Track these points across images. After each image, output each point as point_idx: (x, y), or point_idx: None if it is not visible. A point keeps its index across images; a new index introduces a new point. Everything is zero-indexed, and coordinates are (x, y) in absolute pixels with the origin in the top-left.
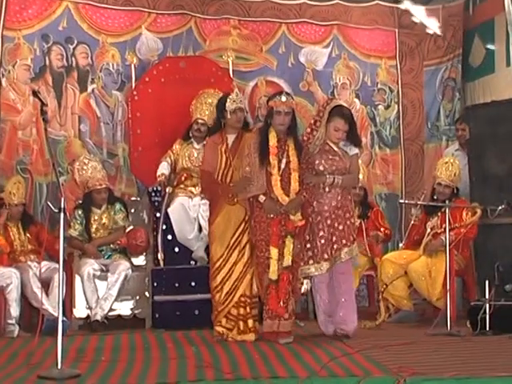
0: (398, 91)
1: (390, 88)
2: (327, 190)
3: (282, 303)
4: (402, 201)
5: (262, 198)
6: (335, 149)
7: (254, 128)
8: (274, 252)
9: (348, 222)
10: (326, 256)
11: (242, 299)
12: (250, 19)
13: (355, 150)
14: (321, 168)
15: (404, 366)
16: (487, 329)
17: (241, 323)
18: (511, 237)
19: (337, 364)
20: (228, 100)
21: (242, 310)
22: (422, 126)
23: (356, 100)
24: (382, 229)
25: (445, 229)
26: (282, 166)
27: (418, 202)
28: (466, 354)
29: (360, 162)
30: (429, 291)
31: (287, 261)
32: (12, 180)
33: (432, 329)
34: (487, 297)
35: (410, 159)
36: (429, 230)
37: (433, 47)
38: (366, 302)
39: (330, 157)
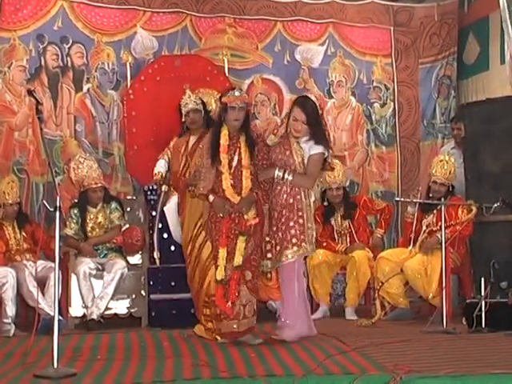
0: (393, 89)
1: (385, 86)
2: (278, 186)
3: (230, 303)
4: (397, 198)
5: (210, 198)
6: (290, 144)
7: None
8: (221, 252)
9: (292, 223)
10: (269, 255)
11: (207, 299)
12: (245, 17)
13: (317, 149)
14: (275, 162)
15: (400, 363)
16: (483, 326)
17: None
18: (506, 234)
19: (332, 362)
20: (181, 102)
21: (208, 311)
22: (417, 123)
23: (352, 98)
24: (380, 220)
25: (440, 226)
26: (234, 163)
27: (414, 200)
28: (462, 352)
29: (336, 162)
30: (424, 289)
31: (237, 260)
32: (6, 180)
33: (428, 326)
34: (483, 294)
35: (405, 157)
36: (424, 228)
37: (428, 45)
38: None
39: (282, 151)
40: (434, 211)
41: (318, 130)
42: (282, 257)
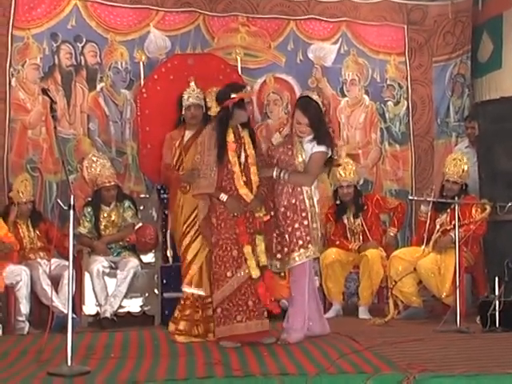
0: (407, 87)
1: (399, 84)
2: (280, 187)
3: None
4: (411, 197)
5: (223, 197)
6: (293, 144)
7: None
8: (248, 250)
9: (297, 225)
10: (278, 256)
11: (197, 303)
12: (258, 16)
13: (319, 148)
14: (275, 161)
15: (413, 362)
16: (496, 325)
17: (196, 327)
18: None
19: (346, 361)
20: (183, 95)
21: (196, 315)
22: (431, 122)
23: (365, 96)
24: (394, 219)
25: (454, 225)
26: (242, 160)
27: (428, 199)
28: (476, 351)
29: (347, 161)
30: (438, 288)
31: (263, 260)
32: (19, 178)
33: (441, 325)
34: (497, 293)
35: (419, 155)
36: (438, 227)
37: (442, 43)
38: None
39: (285, 151)
40: (448, 210)
41: (321, 130)
42: (290, 260)
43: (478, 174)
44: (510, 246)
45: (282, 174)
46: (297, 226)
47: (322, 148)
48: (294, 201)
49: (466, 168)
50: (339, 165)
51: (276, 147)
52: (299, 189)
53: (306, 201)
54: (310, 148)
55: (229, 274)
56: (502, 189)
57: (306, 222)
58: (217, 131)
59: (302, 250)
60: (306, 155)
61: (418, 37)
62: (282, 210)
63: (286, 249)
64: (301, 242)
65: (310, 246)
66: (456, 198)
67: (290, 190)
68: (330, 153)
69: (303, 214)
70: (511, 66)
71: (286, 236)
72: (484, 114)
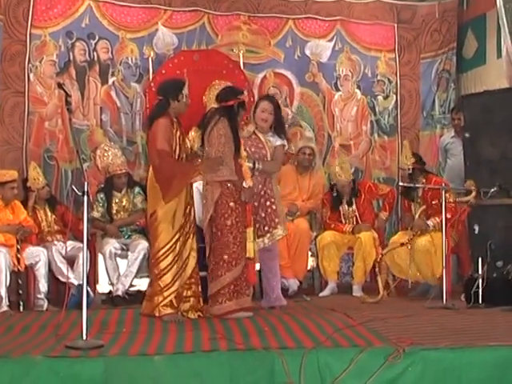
0: (396, 82)
1: (388, 79)
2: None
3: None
4: (401, 183)
5: (247, 184)
6: (261, 138)
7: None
8: (250, 231)
9: (269, 210)
10: None
11: (193, 280)
12: (259, 15)
13: (282, 142)
14: (249, 153)
15: (403, 336)
16: (480, 302)
17: (192, 300)
18: (503, 217)
19: (341, 335)
20: (183, 83)
21: (191, 292)
22: (418, 115)
23: (357, 90)
24: (385, 204)
25: (430, 214)
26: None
27: (417, 185)
28: (461, 326)
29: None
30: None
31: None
32: (31, 167)
33: (429, 302)
34: (480, 272)
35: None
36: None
37: (429, 41)
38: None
39: (255, 144)
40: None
41: (280, 125)
42: (259, 242)
43: (464, 161)
44: (493, 228)
45: (256, 165)
46: (269, 210)
47: (284, 142)
48: (265, 189)
49: (408, 154)
50: (288, 159)
51: (244, 141)
52: (268, 178)
53: (274, 188)
54: (275, 141)
55: (243, 253)
56: (485, 175)
57: (274, 207)
58: (233, 126)
59: (270, 232)
60: (272, 146)
61: (407, 35)
62: (257, 197)
63: (258, 232)
64: (272, 224)
65: (279, 226)
66: (423, 182)
67: (262, 180)
68: (286, 147)
69: (272, 200)
70: (494, 62)
71: (259, 220)
72: (469, 106)
